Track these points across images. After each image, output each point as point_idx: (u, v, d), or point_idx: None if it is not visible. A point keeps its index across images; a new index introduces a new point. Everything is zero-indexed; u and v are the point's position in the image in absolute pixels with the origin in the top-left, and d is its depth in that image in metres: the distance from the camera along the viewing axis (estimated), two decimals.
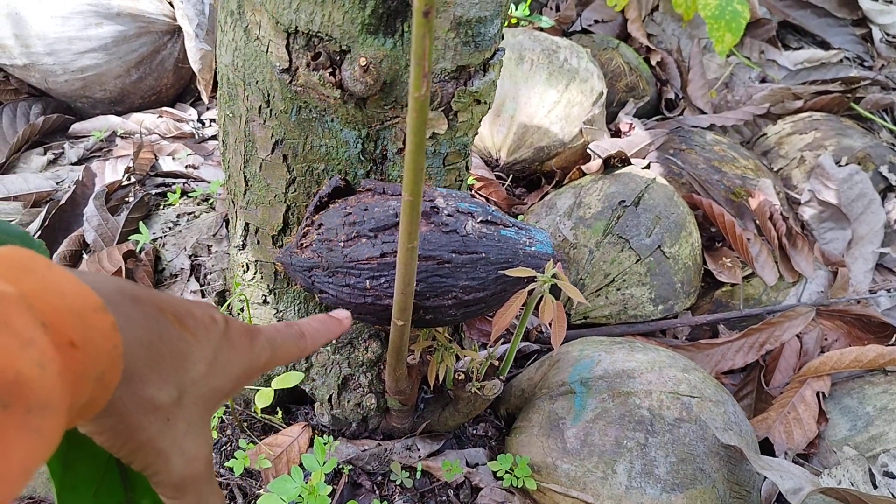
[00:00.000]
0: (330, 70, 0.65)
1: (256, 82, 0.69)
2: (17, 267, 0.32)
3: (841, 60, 1.93)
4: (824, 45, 2.02)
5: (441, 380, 0.81)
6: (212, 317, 0.45)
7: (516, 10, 1.74)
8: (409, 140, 0.51)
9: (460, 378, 0.84)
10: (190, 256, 1.10)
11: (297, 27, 0.63)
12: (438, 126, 0.71)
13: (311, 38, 0.64)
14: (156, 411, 0.40)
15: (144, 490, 0.47)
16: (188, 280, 1.07)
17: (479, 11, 0.65)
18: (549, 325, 0.70)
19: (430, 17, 0.44)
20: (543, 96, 1.40)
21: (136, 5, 1.40)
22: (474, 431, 0.98)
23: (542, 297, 0.69)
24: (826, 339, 1.19)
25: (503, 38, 0.72)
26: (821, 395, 1.05)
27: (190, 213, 1.19)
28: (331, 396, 0.90)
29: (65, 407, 0.30)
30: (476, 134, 0.78)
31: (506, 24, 1.71)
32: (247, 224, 0.82)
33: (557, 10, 1.96)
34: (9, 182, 1.25)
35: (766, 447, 1.03)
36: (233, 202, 0.83)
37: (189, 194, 1.26)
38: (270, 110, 0.70)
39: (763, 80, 1.92)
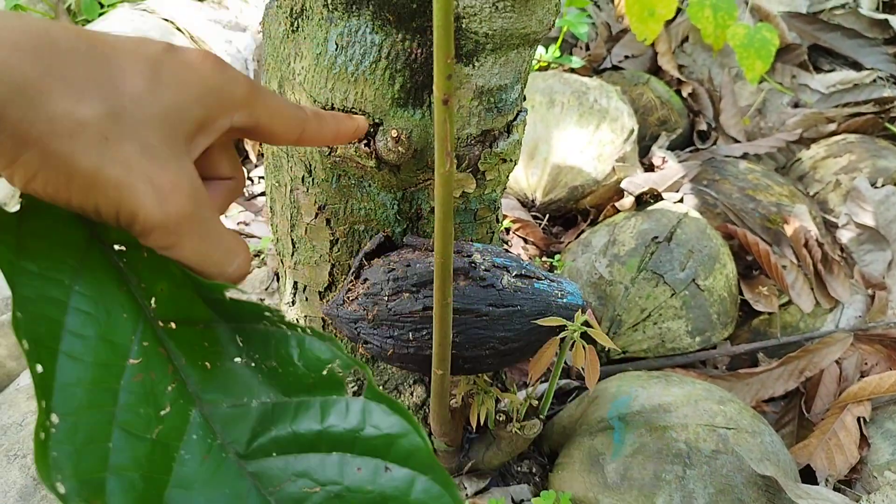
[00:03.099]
0: (365, 142, 0.71)
1: (298, 154, 0.75)
2: None
3: (874, 80, 1.93)
4: (857, 66, 2.02)
5: (483, 421, 0.86)
6: (145, 39, 0.38)
7: (546, 53, 1.80)
8: (438, 209, 0.56)
9: (501, 419, 0.88)
10: None
11: (332, 104, 0.69)
12: (468, 186, 0.76)
13: (347, 113, 0.70)
14: (82, 129, 0.32)
15: (155, 273, 0.39)
16: None
17: (500, 80, 0.70)
18: (583, 369, 0.74)
19: (450, 104, 0.49)
20: (575, 137, 1.45)
21: None
22: (519, 468, 1.01)
23: (574, 343, 0.74)
24: (866, 364, 1.20)
25: (525, 98, 0.77)
26: (861, 420, 1.06)
27: None
28: None
29: None
30: (504, 189, 0.83)
31: (536, 67, 1.76)
32: (295, 283, 0.88)
33: (587, 49, 2.01)
34: None
35: (809, 474, 1.04)
36: (281, 262, 0.90)
37: None
38: (312, 179, 0.76)
39: (796, 105, 1.93)
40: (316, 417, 0.38)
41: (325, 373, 0.39)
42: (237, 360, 0.39)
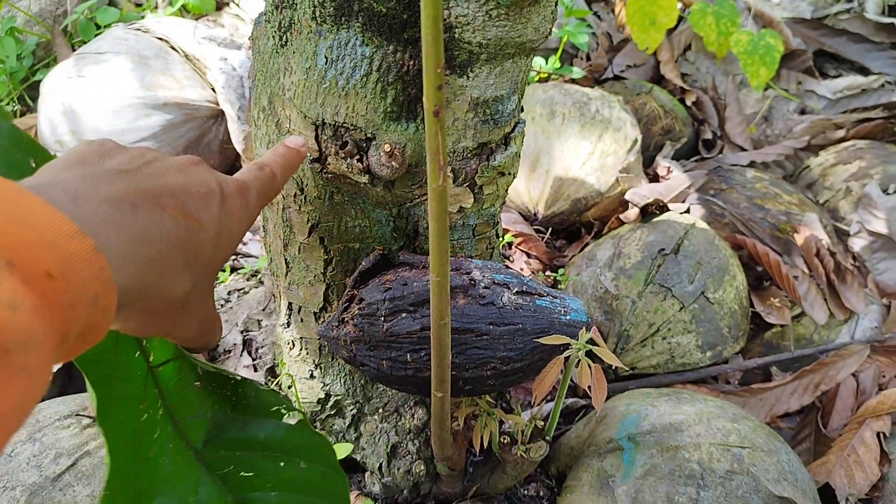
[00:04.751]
0: (357, 157, 0.68)
1: None
2: None
3: (882, 85, 1.90)
4: (864, 71, 1.99)
5: (486, 444, 0.83)
6: (208, 187, 0.46)
7: (546, 64, 1.78)
8: (432, 226, 0.53)
9: (506, 441, 0.85)
10: (242, 332, 1.14)
11: (323, 119, 0.67)
12: (465, 200, 0.73)
13: (338, 128, 0.67)
14: (174, 303, 0.43)
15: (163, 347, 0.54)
16: (241, 355, 1.10)
17: (496, 91, 0.67)
18: (590, 388, 0.71)
19: (441, 115, 0.46)
20: (577, 149, 1.42)
21: (181, 94, 1.48)
22: (525, 492, 0.98)
23: (579, 362, 0.70)
24: (884, 377, 1.16)
25: (522, 109, 0.75)
26: (881, 435, 1.03)
27: (240, 290, 1.24)
28: (381, 465, 0.92)
29: (52, 340, 0.29)
30: (503, 203, 0.81)
31: (536, 78, 1.74)
32: (290, 304, 0.85)
33: (588, 59, 1.99)
34: None
35: (829, 493, 1.00)
36: (276, 283, 0.87)
37: (238, 270, 1.30)
38: (305, 197, 0.73)
39: (803, 112, 1.90)
40: (258, 428, 0.59)
41: (272, 409, 0.60)
42: (196, 384, 0.57)
